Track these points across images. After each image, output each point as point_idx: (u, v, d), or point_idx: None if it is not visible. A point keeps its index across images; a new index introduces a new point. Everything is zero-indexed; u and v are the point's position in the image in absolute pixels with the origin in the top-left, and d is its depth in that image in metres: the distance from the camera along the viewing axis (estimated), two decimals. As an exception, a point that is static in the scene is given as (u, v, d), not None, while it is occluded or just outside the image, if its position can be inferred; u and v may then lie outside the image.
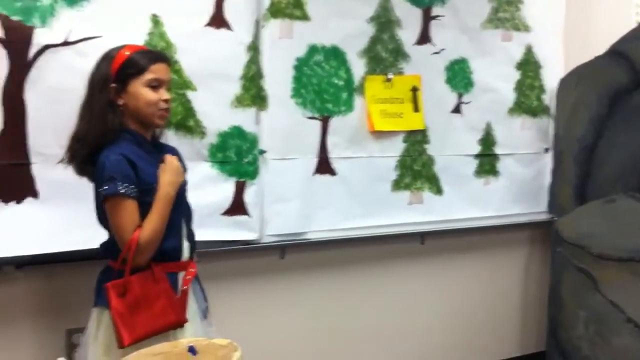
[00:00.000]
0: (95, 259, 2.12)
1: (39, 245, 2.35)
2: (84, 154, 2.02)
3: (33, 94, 2.27)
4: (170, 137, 2.56)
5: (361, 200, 3.11)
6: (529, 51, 3.51)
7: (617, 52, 3.26)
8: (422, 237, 3.38)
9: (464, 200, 3.40)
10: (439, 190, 3.34)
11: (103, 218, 2.04)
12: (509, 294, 3.74)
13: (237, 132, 2.74)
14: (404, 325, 3.43)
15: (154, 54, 2.11)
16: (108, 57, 2.05)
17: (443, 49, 3.27)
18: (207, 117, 2.65)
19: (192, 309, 2.15)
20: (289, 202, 2.92)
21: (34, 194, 2.34)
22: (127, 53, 2.04)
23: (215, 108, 2.68)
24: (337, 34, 2.96)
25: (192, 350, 1.75)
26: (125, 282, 1.97)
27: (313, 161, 2.98)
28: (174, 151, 2.23)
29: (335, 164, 3.03)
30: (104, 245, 2.10)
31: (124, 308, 1.95)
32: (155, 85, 2.05)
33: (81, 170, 2.08)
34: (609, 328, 2.92)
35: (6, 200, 2.31)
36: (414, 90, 3.20)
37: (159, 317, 2.00)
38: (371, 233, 3.16)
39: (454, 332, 3.59)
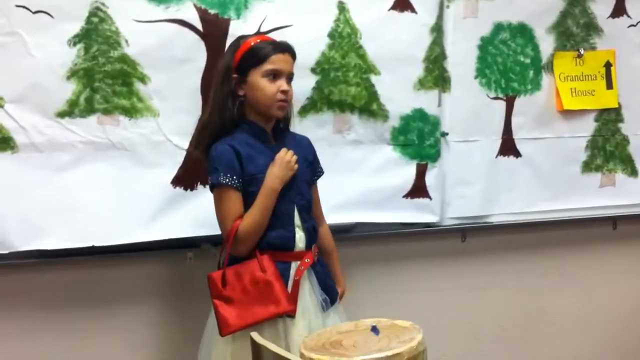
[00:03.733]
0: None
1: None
2: (206, 143, 2.08)
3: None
4: (353, 121, 2.63)
5: (548, 182, 3.00)
6: None
7: None
8: (614, 222, 3.21)
9: (662, 183, 3.18)
10: (633, 172, 3.16)
11: None
12: None
13: (419, 115, 2.72)
14: (591, 312, 3.29)
15: (276, 45, 2.06)
16: (233, 48, 2.09)
17: (640, 22, 3.07)
18: (390, 100, 2.66)
19: (306, 300, 2.10)
20: (471, 184, 2.86)
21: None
22: (250, 44, 2.04)
23: (398, 91, 2.67)
24: (524, 10, 2.86)
25: (375, 329, 1.79)
26: (224, 272, 2.00)
27: (497, 143, 2.90)
28: (303, 140, 2.23)
29: (520, 145, 2.94)
30: None
31: (225, 297, 1.98)
32: (274, 75, 2.04)
33: (205, 159, 2.12)
34: None
35: (205, 183, 2.41)
36: (608, 66, 3.04)
37: (263, 306, 1.98)
38: (559, 217, 3.04)
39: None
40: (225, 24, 2.40)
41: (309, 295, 2.11)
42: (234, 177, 2.01)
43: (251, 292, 1.99)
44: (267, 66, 2.03)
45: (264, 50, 2.03)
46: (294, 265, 2.08)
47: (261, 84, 2.03)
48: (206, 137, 2.08)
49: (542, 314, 3.19)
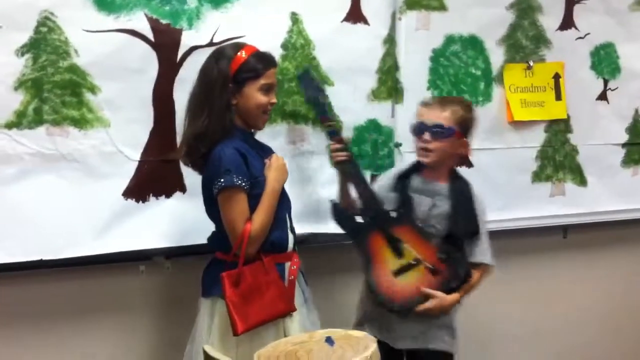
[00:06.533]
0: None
1: (186, 237, 2.46)
2: (202, 151, 2.10)
3: (181, 94, 2.35)
4: (307, 132, 2.64)
5: (500, 192, 3.02)
6: (681, 33, 3.28)
7: None
8: (564, 231, 3.27)
9: (610, 192, 3.26)
10: (582, 182, 3.22)
11: (214, 210, 2.13)
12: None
13: (373, 126, 2.75)
14: (543, 321, 3.33)
15: (268, 59, 2.17)
16: (225, 56, 2.12)
17: (588, 34, 3.14)
18: (344, 111, 2.67)
19: (299, 298, 2.23)
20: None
21: (182, 188, 2.46)
22: (245, 55, 2.11)
23: (352, 102, 2.70)
24: (475, 23, 2.91)
25: (329, 340, 1.78)
26: (239, 273, 2.05)
27: (449, 153, 2.93)
28: (270, 149, 2.30)
29: (473, 156, 2.96)
30: (210, 238, 2.24)
31: (238, 297, 2.04)
32: (266, 89, 2.14)
33: (193, 164, 2.18)
34: None
35: (157, 195, 2.44)
36: (556, 77, 3.10)
37: (270, 306, 2.09)
38: (510, 226, 3.07)
39: (594, 331, 3.45)
40: (177, 34, 2.38)
41: (299, 292, 2.24)
42: (245, 179, 2.07)
43: (257, 293, 2.07)
44: (263, 80, 2.13)
45: (260, 65, 2.13)
46: (287, 266, 2.20)
47: (256, 96, 2.13)
48: (203, 144, 2.10)
49: (492, 324, 3.22)
